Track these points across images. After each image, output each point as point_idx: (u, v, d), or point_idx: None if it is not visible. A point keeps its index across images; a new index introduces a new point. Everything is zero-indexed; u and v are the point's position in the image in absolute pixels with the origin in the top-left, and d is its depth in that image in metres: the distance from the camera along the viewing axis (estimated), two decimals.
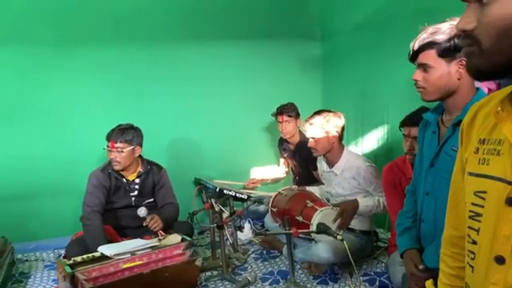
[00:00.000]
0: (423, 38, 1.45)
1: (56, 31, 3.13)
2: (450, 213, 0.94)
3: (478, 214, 0.75)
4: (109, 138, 2.67)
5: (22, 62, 3.08)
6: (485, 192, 0.73)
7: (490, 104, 0.79)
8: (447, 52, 1.42)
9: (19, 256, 2.91)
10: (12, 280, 2.56)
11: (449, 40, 1.41)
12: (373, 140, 3.19)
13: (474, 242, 0.76)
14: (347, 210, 2.33)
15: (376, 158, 2.98)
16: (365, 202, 2.40)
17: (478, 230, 0.75)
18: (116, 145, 2.63)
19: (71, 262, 2.10)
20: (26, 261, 2.88)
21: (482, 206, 0.74)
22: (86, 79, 3.22)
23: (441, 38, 1.42)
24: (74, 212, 2.78)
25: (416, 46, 1.47)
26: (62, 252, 2.82)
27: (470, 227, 0.77)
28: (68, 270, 1.97)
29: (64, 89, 3.17)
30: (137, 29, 3.32)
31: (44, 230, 3.13)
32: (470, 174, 0.78)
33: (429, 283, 1.00)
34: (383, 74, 3.05)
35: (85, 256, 2.16)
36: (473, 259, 0.76)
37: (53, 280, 2.53)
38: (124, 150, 2.65)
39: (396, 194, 2.21)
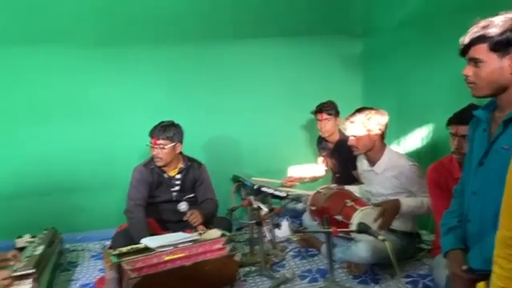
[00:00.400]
0: (474, 31, 1.40)
1: (103, 32, 3.25)
2: (504, 213, 0.90)
3: None
4: (151, 135, 2.75)
5: (70, 63, 3.23)
6: None
7: None
8: (499, 46, 1.36)
9: (67, 246, 3.06)
10: (60, 268, 2.70)
11: (502, 33, 1.36)
12: (416, 139, 3.10)
13: None
14: (388, 209, 2.28)
15: (419, 157, 2.89)
16: (407, 202, 2.34)
17: None
18: (158, 141, 2.71)
19: (117, 252, 2.18)
20: (74, 251, 3.02)
21: None
22: (129, 79, 3.35)
23: (493, 31, 1.36)
24: (118, 205, 2.89)
25: (467, 40, 1.42)
26: (107, 243, 2.94)
27: None
28: (114, 259, 2.05)
29: (108, 88, 3.31)
30: (176, 28, 3.39)
31: (90, 222, 3.28)
32: None
33: (481, 285, 0.97)
34: (428, 71, 2.96)
35: (129, 247, 2.24)
36: None
37: (99, 269, 2.64)
38: (166, 147, 2.72)
39: (441, 195, 2.14)
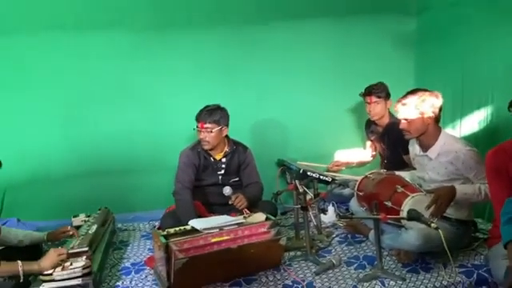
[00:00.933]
0: None
1: (152, 17, 3.29)
2: None
3: None
4: (198, 119, 2.77)
5: (121, 48, 3.28)
6: None
7: None
8: None
9: (119, 225, 3.19)
10: (113, 247, 2.81)
11: None
12: (473, 122, 2.91)
13: None
14: (443, 196, 2.17)
15: (477, 142, 2.72)
16: (463, 190, 2.21)
17: None
18: (205, 125, 2.73)
19: (165, 233, 2.23)
20: (125, 230, 3.14)
21: None
22: (179, 63, 3.36)
23: None
24: (166, 187, 2.96)
25: None
26: (156, 223, 3.04)
27: None
28: (163, 240, 2.10)
29: (158, 73, 3.34)
30: (222, 11, 3.36)
31: (141, 203, 3.39)
32: None
33: None
34: (487, 50, 2.76)
35: (177, 228, 2.29)
36: None
37: (148, 249, 2.73)
38: (213, 130, 2.74)
39: (501, 182, 1.99)
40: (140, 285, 2.26)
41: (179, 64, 3.37)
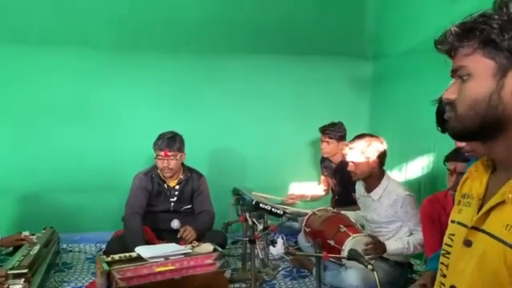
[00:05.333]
0: None
1: (117, 37, 3.35)
2: None
3: (448, 252, 0.91)
4: (161, 147, 2.75)
5: (83, 65, 3.32)
6: (454, 235, 0.91)
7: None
8: None
9: (64, 246, 3.11)
10: (55, 268, 2.74)
11: None
12: (417, 167, 3.08)
13: (444, 276, 0.91)
14: (378, 244, 2.28)
15: (419, 186, 2.88)
16: (393, 246, 2.32)
17: (447, 266, 0.91)
18: (170, 153, 2.75)
19: (109, 259, 2.20)
20: (70, 251, 3.07)
21: (451, 246, 0.91)
22: (139, 86, 3.42)
23: None
24: (117, 209, 2.93)
25: None
26: (103, 246, 2.98)
27: (441, 263, 0.93)
28: (105, 267, 2.08)
29: (118, 94, 3.39)
30: (190, 41, 3.47)
31: (89, 224, 3.32)
32: (451, 221, 0.95)
33: None
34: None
35: (122, 255, 2.26)
36: None
37: (92, 273, 2.68)
38: (177, 158, 2.77)
39: (434, 229, 2.14)
40: None
41: (140, 87, 3.41)
